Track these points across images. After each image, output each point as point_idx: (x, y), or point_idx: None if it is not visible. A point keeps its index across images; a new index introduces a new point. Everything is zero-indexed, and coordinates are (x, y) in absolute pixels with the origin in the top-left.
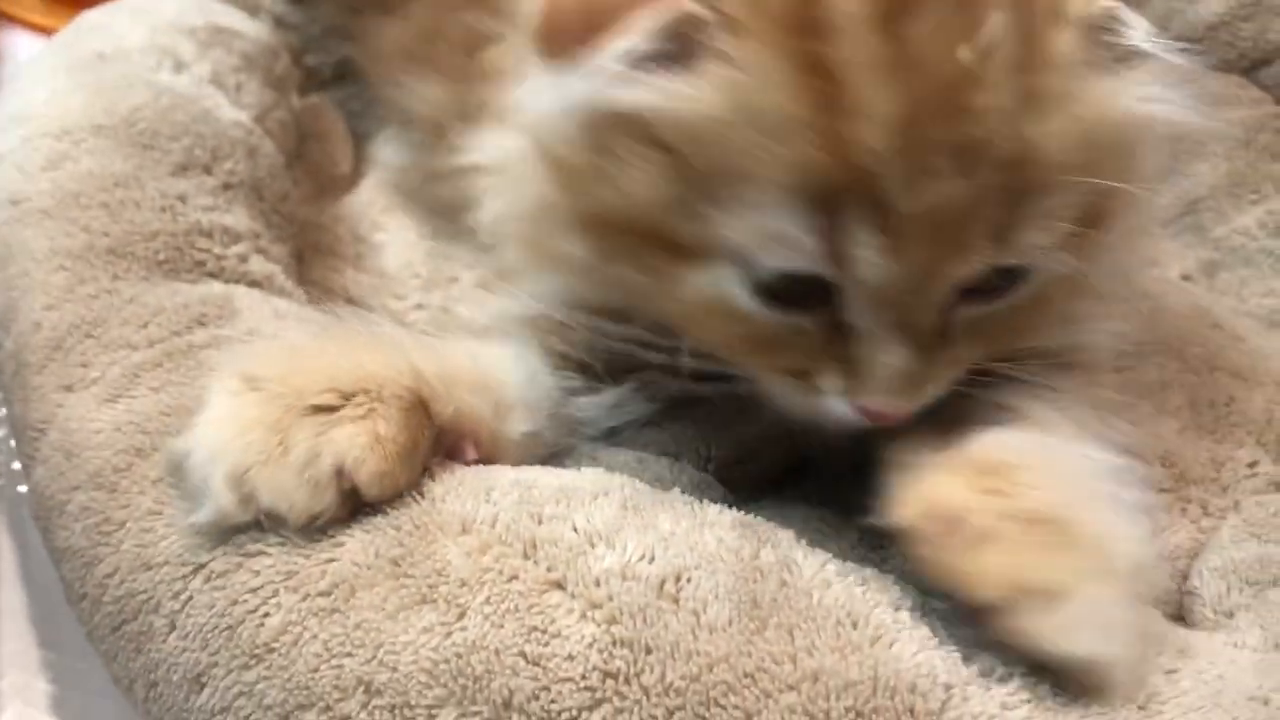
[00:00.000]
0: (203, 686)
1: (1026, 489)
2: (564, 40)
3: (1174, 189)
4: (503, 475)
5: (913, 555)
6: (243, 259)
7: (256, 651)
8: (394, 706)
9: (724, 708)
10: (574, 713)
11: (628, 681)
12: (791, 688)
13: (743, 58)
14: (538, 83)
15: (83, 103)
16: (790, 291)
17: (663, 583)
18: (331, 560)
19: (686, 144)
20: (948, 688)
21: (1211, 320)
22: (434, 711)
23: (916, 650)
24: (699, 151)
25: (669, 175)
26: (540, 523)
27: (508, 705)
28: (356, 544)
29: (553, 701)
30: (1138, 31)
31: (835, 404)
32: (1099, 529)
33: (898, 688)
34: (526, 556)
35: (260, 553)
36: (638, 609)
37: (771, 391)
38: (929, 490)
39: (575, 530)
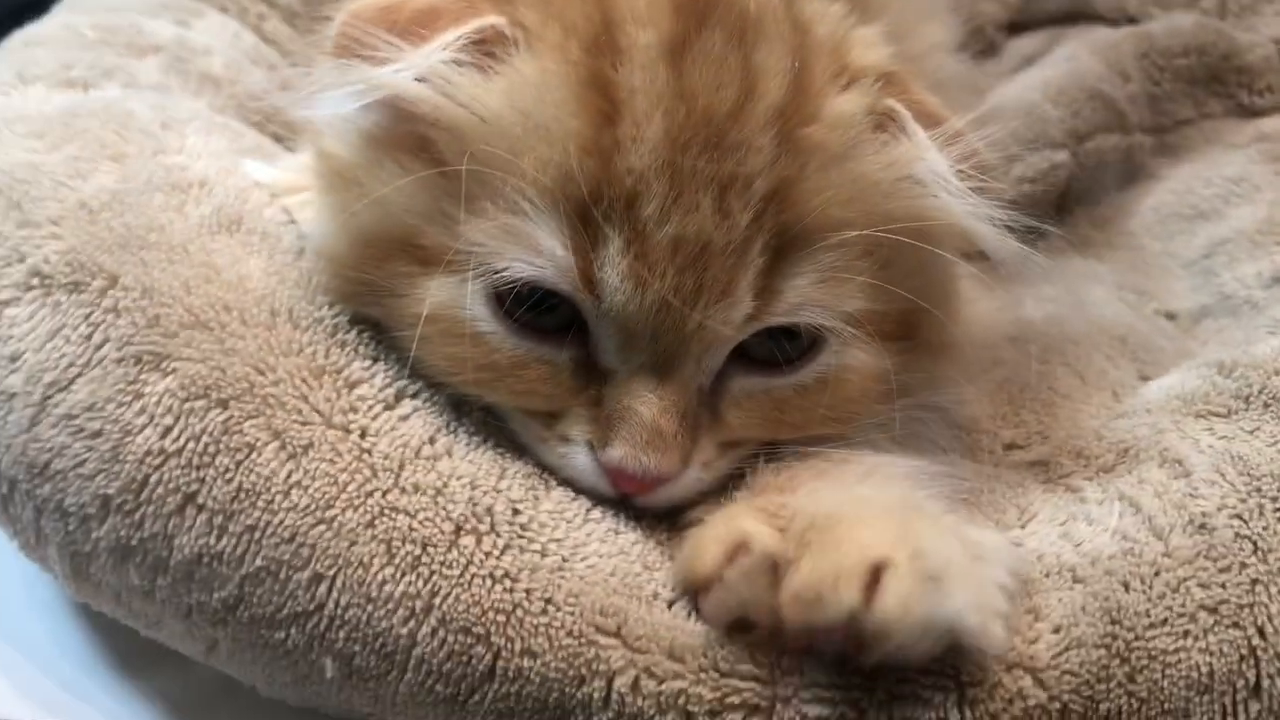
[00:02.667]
0: None
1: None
2: (366, 41)
3: (1205, 229)
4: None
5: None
6: (262, 17)
7: None
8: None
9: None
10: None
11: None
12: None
13: (531, 65)
14: (335, 82)
15: None
16: (538, 318)
17: (187, 186)
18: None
19: (457, 146)
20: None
21: (1119, 335)
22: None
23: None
24: (468, 153)
25: (429, 182)
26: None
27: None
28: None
29: None
30: (913, 131)
31: (582, 458)
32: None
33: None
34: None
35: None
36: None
37: (520, 435)
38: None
39: None
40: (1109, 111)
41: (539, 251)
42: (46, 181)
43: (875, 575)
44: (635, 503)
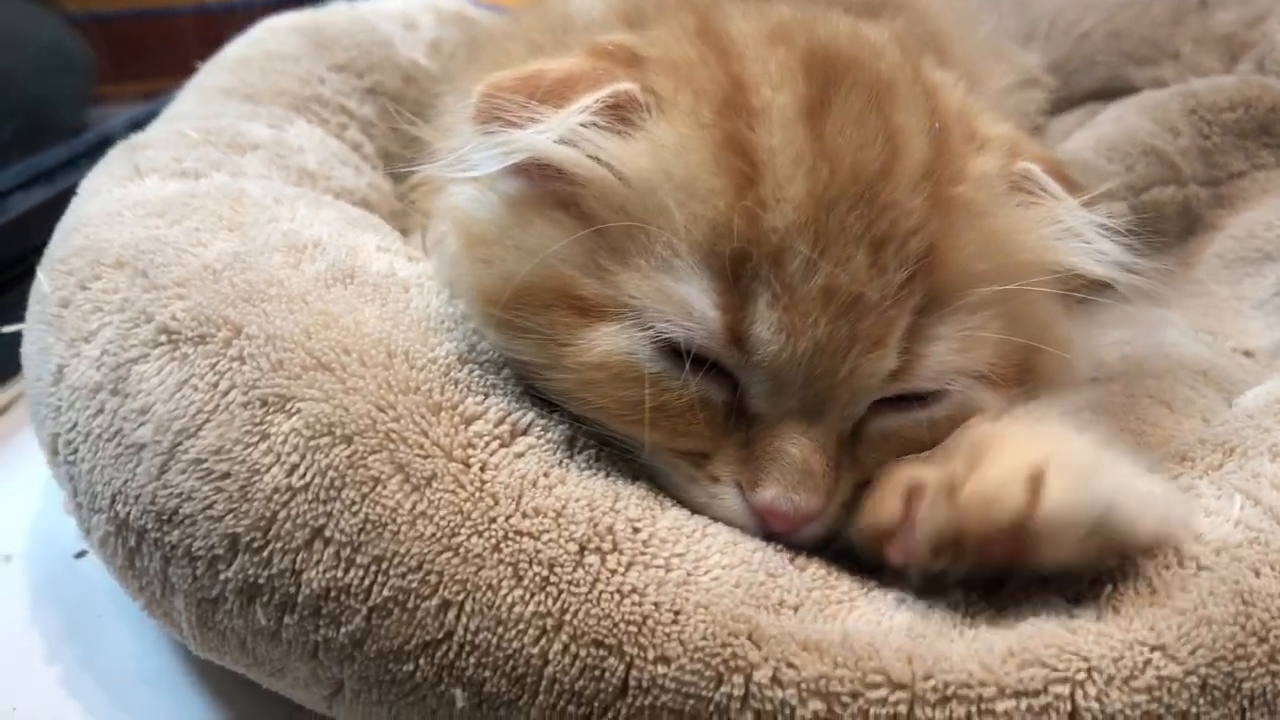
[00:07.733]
0: None
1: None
2: (508, 107)
3: (1273, 269)
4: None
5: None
6: (343, 126)
7: None
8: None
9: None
10: None
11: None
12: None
13: (666, 129)
14: (482, 144)
15: (303, 20)
16: (698, 359)
17: (302, 247)
18: None
19: (604, 203)
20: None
21: (1200, 369)
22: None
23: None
24: (616, 210)
25: (580, 236)
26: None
27: None
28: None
29: None
30: (1054, 189)
31: (732, 499)
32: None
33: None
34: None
35: None
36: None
37: (669, 475)
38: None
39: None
40: (1163, 165)
41: (689, 314)
42: (170, 250)
43: (1037, 478)
44: (780, 541)
